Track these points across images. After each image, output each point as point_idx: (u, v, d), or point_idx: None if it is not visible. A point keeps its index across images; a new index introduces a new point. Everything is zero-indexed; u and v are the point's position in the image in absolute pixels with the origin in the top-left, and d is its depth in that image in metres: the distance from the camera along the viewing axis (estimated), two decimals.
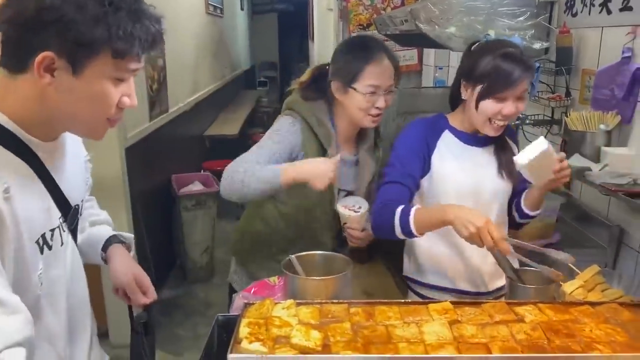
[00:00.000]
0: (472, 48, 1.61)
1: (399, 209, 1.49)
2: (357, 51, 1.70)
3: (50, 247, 1.02)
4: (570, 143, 2.18)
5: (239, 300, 1.50)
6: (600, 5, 2.14)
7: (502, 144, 1.68)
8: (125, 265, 1.32)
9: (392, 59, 1.70)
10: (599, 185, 1.86)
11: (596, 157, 2.00)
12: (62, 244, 1.06)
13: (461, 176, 1.62)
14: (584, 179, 1.95)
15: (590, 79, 2.23)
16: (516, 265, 1.54)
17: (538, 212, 1.71)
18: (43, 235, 1.00)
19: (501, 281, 1.71)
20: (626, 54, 1.98)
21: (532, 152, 1.45)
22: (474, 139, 1.65)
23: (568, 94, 2.37)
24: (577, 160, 2.04)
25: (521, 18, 2.39)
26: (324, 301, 1.30)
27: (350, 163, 1.82)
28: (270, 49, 11.43)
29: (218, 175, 4.41)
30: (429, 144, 1.63)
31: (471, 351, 1.11)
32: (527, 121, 2.50)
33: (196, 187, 4.07)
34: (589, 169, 1.95)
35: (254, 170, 1.57)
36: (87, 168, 1.24)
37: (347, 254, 1.61)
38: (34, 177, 0.99)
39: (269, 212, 1.82)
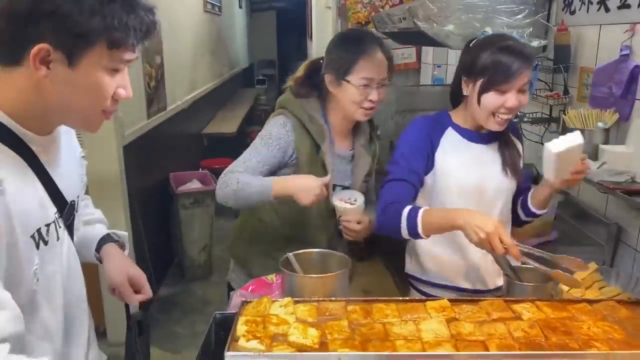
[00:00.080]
0: (471, 44, 1.61)
1: (406, 209, 1.47)
2: (350, 44, 1.70)
3: (46, 243, 1.01)
4: None
5: (236, 298, 1.50)
6: (598, 3, 2.14)
7: (506, 141, 1.67)
8: (119, 265, 1.31)
9: (386, 52, 1.70)
10: (597, 183, 1.86)
11: (594, 155, 2.00)
12: (57, 239, 1.05)
13: (465, 173, 1.62)
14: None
15: (588, 77, 2.23)
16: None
17: (545, 211, 1.70)
18: (39, 230, 0.99)
19: (502, 279, 1.71)
20: (624, 52, 1.98)
21: (567, 143, 1.43)
22: (477, 136, 1.64)
23: (566, 91, 2.37)
24: None
25: (519, 16, 2.39)
26: (321, 299, 1.30)
27: (346, 158, 1.81)
28: (269, 47, 11.41)
29: (216, 173, 4.41)
30: (432, 141, 1.62)
31: (469, 349, 1.11)
32: (525, 119, 2.50)
33: (194, 185, 4.06)
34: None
35: (244, 186, 1.61)
36: (82, 165, 1.23)
37: (346, 252, 1.61)
38: (28, 170, 0.99)
39: (265, 210, 1.82)
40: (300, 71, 1.81)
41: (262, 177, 1.66)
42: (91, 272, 1.32)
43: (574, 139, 1.44)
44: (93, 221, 1.37)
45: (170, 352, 3.05)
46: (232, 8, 8.43)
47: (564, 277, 1.37)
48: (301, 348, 1.10)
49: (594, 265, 1.77)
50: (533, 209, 1.69)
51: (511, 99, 1.51)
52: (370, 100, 1.67)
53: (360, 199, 1.69)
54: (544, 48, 2.39)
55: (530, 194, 1.70)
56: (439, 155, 1.62)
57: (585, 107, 2.18)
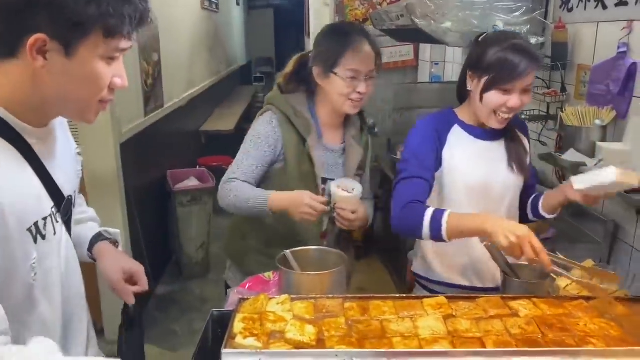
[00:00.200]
0: (480, 39, 1.60)
1: (429, 211, 1.45)
2: (337, 36, 1.71)
3: (43, 237, 1.01)
4: (565, 138, 2.18)
5: (233, 295, 1.49)
6: (595, 0, 2.14)
7: (512, 137, 1.67)
8: (112, 262, 1.31)
9: (373, 45, 1.71)
10: None
11: (591, 153, 2.01)
12: (54, 233, 1.05)
13: (472, 170, 1.61)
14: (580, 174, 1.95)
15: (586, 74, 2.23)
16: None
17: (554, 215, 1.70)
18: (36, 224, 0.99)
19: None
20: (621, 49, 1.98)
21: (594, 181, 1.44)
22: (484, 132, 1.63)
23: (563, 89, 2.37)
24: (572, 156, 2.05)
25: (517, 13, 2.39)
26: (318, 296, 1.30)
27: (337, 152, 1.81)
28: (267, 45, 11.39)
29: (214, 170, 4.41)
30: (440, 138, 1.62)
31: (466, 346, 1.11)
32: (523, 116, 2.50)
33: (192, 182, 4.05)
34: (584, 164, 1.96)
35: (243, 201, 1.66)
36: (78, 160, 1.23)
37: (340, 249, 1.61)
38: (23, 163, 0.99)
39: None
40: (289, 66, 1.81)
41: (259, 190, 1.68)
42: (89, 270, 1.31)
43: (605, 177, 1.41)
44: (85, 220, 1.36)
45: (168, 350, 3.05)
46: (230, 5, 8.41)
47: (602, 293, 1.32)
48: (298, 345, 1.10)
49: (590, 263, 1.77)
50: (543, 213, 1.70)
51: (514, 99, 1.50)
52: (358, 93, 1.68)
53: (358, 188, 1.69)
54: (542, 45, 2.39)
55: (542, 197, 1.69)
56: (447, 152, 1.61)
57: (583, 104, 2.18)
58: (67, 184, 1.10)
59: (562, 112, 2.19)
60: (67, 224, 1.13)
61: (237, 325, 1.15)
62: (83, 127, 2.72)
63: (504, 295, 1.34)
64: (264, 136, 1.72)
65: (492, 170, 1.63)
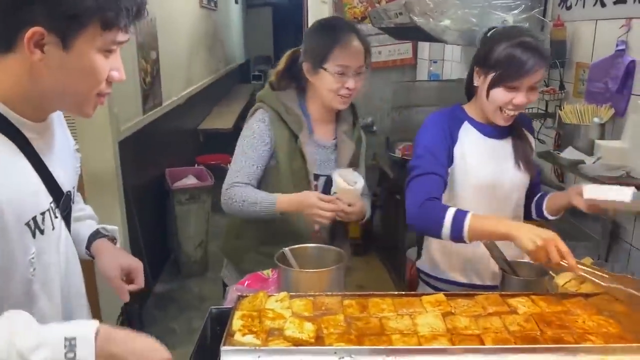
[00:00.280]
0: (489, 34, 1.60)
1: (451, 211, 1.43)
2: (326, 32, 1.71)
3: (42, 232, 1.01)
4: (564, 136, 2.19)
5: (232, 292, 1.49)
6: None
7: (519, 135, 1.67)
8: (110, 259, 1.30)
9: (363, 40, 1.71)
10: (593, 178, 1.86)
11: (590, 150, 2.01)
12: (53, 228, 1.05)
13: (481, 168, 1.61)
14: (578, 171, 1.96)
15: (584, 72, 2.23)
16: None
17: (557, 217, 1.71)
18: (34, 219, 0.99)
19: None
20: (620, 47, 1.99)
21: (607, 194, 1.43)
22: (492, 130, 1.63)
23: (562, 87, 2.37)
24: (570, 153, 2.05)
25: (515, 11, 2.39)
26: (317, 293, 1.30)
27: (329, 148, 1.81)
28: (265, 43, 11.37)
29: (212, 169, 4.41)
30: (452, 134, 1.61)
31: (464, 342, 1.11)
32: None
33: (190, 181, 4.05)
34: (583, 162, 1.96)
35: (250, 205, 1.65)
36: (76, 157, 1.22)
37: (339, 245, 1.61)
38: (21, 157, 0.98)
39: None
40: (281, 63, 1.81)
41: (265, 193, 1.68)
42: (87, 268, 1.31)
43: (619, 196, 1.41)
44: (83, 217, 1.36)
45: (166, 348, 3.05)
46: (228, 4, 8.40)
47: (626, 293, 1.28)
48: (297, 342, 1.09)
49: (589, 260, 1.77)
50: (546, 214, 1.70)
51: (520, 96, 1.49)
52: (347, 88, 1.67)
53: (360, 182, 1.67)
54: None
55: (547, 199, 1.70)
56: (458, 150, 1.61)
57: (581, 102, 2.18)
58: (66, 179, 1.10)
59: (561, 109, 2.19)
60: (67, 220, 1.12)
61: (236, 322, 1.15)
62: (81, 125, 2.71)
63: (503, 293, 1.34)
64: (258, 134, 1.72)
65: (500, 169, 1.63)
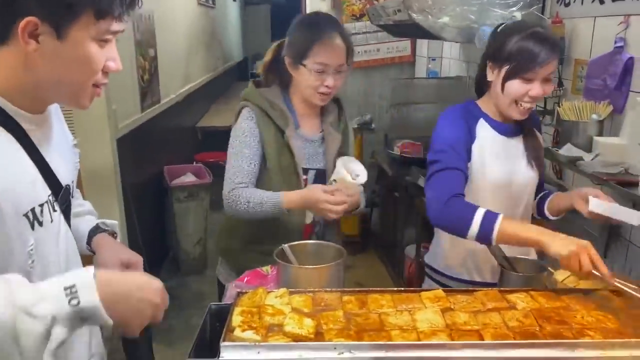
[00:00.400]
0: (499, 29, 1.60)
1: (481, 212, 1.41)
2: (307, 28, 1.70)
3: (41, 223, 1.00)
4: (562, 133, 2.19)
5: (232, 289, 1.49)
6: None
7: (529, 133, 1.66)
8: (110, 254, 1.30)
9: (345, 38, 1.69)
10: (591, 175, 1.87)
11: (588, 147, 2.01)
12: (52, 221, 1.05)
13: (498, 167, 1.60)
14: (576, 168, 1.96)
15: (583, 69, 2.23)
16: None
17: (558, 218, 1.71)
18: (33, 210, 0.98)
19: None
20: (618, 44, 1.99)
21: (613, 213, 1.44)
22: (506, 129, 1.62)
23: (560, 84, 2.37)
24: (569, 150, 2.05)
25: (514, 8, 2.39)
26: (316, 289, 1.30)
27: (317, 142, 1.80)
28: (263, 41, 11.31)
29: (210, 167, 4.40)
30: (471, 131, 1.60)
31: (463, 338, 1.11)
32: None
33: (188, 178, 4.05)
34: (581, 159, 1.96)
35: (256, 206, 1.65)
36: (75, 152, 1.22)
37: (332, 240, 1.60)
38: (18, 148, 0.98)
39: None
40: (267, 55, 1.81)
41: (268, 192, 1.66)
42: (86, 263, 1.31)
43: (625, 217, 1.42)
44: (83, 213, 1.36)
45: (165, 346, 3.05)
46: (226, 1, 8.39)
47: None
48: (297, 338, 1.10)
49: None
50: (547, 214, 1.70)
51: (536, 87, 1.49)
52: (326, 86, 1.67)
53: (363, 177, 1.66)
54: None
55: (549, 199, 1.70)
56: (476, 147, 1.59)
57: (580, 99, 2.18)
58: (64, 172, 1.10)
59: (559, 106, 2.19)
60: (66, 215, 1.12)
61: (236, 318, 1.15)
62: (79, 122, 2.71)
63: (502, 289, 1.34)
64: (249, 132, 1.71)
65: (514, 168, 1.63)
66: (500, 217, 1.40)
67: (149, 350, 1.34)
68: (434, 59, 4.21)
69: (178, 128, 4.84)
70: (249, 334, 1.10)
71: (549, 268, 1.45)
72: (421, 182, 2.81)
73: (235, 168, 1.70)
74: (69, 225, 1.14)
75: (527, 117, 1.58)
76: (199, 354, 1.12)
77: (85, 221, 1.34)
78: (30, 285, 0.88)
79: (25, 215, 0.97)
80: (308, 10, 4.87)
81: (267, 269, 1.61)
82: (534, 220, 1.76)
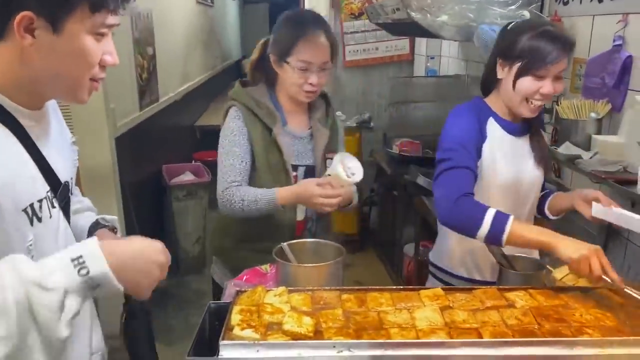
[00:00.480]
0: (509, 27, 1.59)
1: (492, 212, 1.40)
2: (291, 25, 1.70)
3: (40, 219, 1.00)
4: (561, 131, 2.19)
5: (231, 287, 1.50)
6: None
7: (536, 133, 1.66)
8: None
9: (329, 36, 1.69)
10: (590, 173, 1.87)
11: (587, 145, 2.01)
12: (50, 217, 1.04)
13: (507, 167, 1.60)
14: (575, 166, 1.96)
15: (581, 68, 2.23)
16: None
17: (558, 217, 1.71)
18: (31, 205, 0.98)
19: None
20: (617, 42, 1.99)
21: (614, 219, 1.44)
22: (515, 128, 1.62)
23: None
24: (567, 149, 2.05)
25: (513, 7, 2.39)
26: (316, 288, 1.30)
27: (305, 138, 1.80)
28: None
29: (209, 165, 4.40)
30: (481, 130, 1.59)
31: (462, 336, 1.11)
32: None
33: (187, 177, 4.05)
34: (580, 157, 1.97)
35: (251, 204, 1.65)
36: (74, 150, 1.22)
37: (324, 237, 1.61)
38: (16, 143, 0.98)
39: None
40: (254, 52, 1.80)
41: (262, 189, 1.67)
42: None
43: (627, 223, 1.42)
44: (82, 209, 1.36)
45: (164, 345, 3.05)
46: (225, 0, 8.37)
47: None
48: (296, 336, 1.10)
49: None
50: (547, 213, 1.71)
51: (547, 85, 1.49)
52: (310, 84, 1.67)
53: (359, 174, 1.65)
54: None
55: (550, 199, 1.70)
56: (487, 146, 1.59)
57: (578, 97, 2.19)
58: (63, 169, 1.10)
59: (558, 105, 2.19)
60: (65, 211, 1.12)
61: (235, 317, 1.15)
62: (78, 121, 2.70)
63: (501, 287, 1.35)
64: (238, 131, 1.71)
65: (522, 167, 1.63)
66: (511, 219, 1.39)
67: (151, 348, 1.35)
68: (432, 58, 4.21)
69: (176, 127, 4.83)
70: (248, 332, 1.10)
71: (548, 266, 1.45)
72: (420, 180, 2.81)
73: (227, 167, 1.70)
74: (69, 222, 1.14)
75: (537, 115, 1.58)
76: (198, 353, 1.12)
77: (85, 217, 1.34)
78: (36, 263, 0.89)
79: (24, 210, 0.97)
80: (306, 9, 4.88)
81: (266, 267, 1.61)
82: (534, 220, 1.76)
